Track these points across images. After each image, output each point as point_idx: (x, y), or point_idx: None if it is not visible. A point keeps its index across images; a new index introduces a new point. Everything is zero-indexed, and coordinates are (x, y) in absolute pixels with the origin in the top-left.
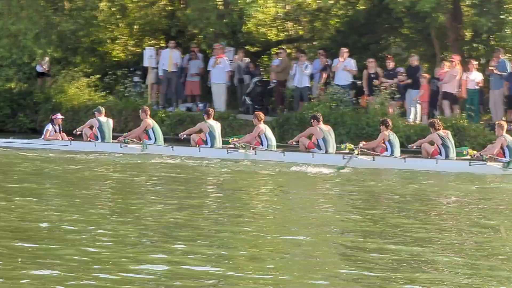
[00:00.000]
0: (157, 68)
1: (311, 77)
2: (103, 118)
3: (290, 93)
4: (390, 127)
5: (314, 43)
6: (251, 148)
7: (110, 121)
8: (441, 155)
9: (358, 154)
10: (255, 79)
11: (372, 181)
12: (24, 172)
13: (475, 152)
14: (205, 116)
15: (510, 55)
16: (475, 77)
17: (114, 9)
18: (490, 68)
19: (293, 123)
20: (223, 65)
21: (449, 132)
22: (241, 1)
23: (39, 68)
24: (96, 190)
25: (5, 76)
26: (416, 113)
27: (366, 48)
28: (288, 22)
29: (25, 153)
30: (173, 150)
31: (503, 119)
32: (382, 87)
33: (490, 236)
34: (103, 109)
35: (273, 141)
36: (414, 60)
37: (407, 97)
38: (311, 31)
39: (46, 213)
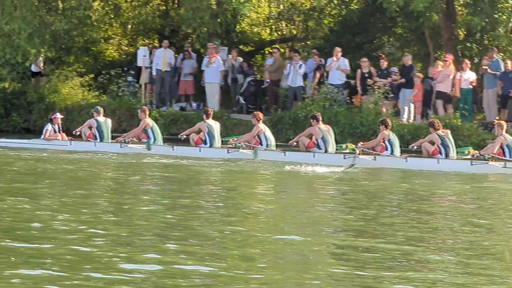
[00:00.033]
0: (150, 67)
1: (305, 76)
2: (101, 118)
3: (284, 93)
4: (389, 127)
5: (307, 42)
6: (251, 148)
7: (109, 120)
8: (441, 155)
9: (359, 153)
10: (249, 79)
11: (371, 181)
12: (18, 172)
13: (476, 152)
14: (204, 116)
15: (503, 54)
16: (469, 76)
17: (108, 8)
18: (483, 67)
19: (287, 123)
20: (216, 64)
21: (448, 132)
22: (234, 0)
23: (34, 68)
24: (91, 190)
25: None
26: (409, 113)
27: (360, 47)
28: (281, 22)
29: (24, 153)
30: (173, 150)
31: (496, 118)
32: (375, 87)
33: (483, 235)
34: (102, 109)
35: (272, 140)
36: (408, 60)
37: (401, 96)
38: (305, 31)
39: (38, 212)
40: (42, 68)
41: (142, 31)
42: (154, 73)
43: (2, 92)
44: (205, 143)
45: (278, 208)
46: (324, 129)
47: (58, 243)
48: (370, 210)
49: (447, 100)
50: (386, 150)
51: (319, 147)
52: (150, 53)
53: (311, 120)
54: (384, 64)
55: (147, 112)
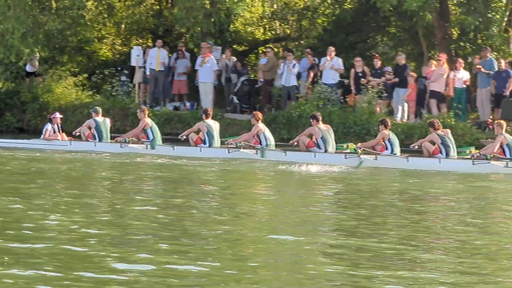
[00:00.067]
0: (144, 67)
1: (299, 76)
2: (100, 118)
3: (278, 92)
4: (389, 127)
5: (301, 42)
6: (252, 148)
7: (107, 120)
8: (441, 154)
9: (361, 153)
10: (242, 78)
11: (371, 180)
12: (11, 172)
13: (476, 152)
14: (203, 116)
15: (497, 54)
16: (462, 75)
17: (101, 8)
18: (477, 66)
19: (281, 122)
20: (210, 64)
21: (448, 131)
22: (228, 0)
23: (29, 68)
24: (89, 190)
25: None
26: (403, 112)
27: (354, 47)
28: (275, 21)
29: (19, 153)
30: (173, 149)
31: (490, 117)
32: (369, 86)
33: (474, 235)
34: (100, 109)
35: (272, 140)
36: (401, 59)
37: (395, 96)
38: (299, 30)
39: (31, 212)
40: (37, 68)
41: (136, 31)
42: (147, 72)
43: None
44: (204, 143)
45: (273, 208)
46: (324, 129)
47: (51, 243)
48: (366, 209)
49: (441, 100)
50: (386, 149)
51: (319, 147)
52: (144, 52)
53: (311, 120)
54: (377, 63)
55: (147, 112)
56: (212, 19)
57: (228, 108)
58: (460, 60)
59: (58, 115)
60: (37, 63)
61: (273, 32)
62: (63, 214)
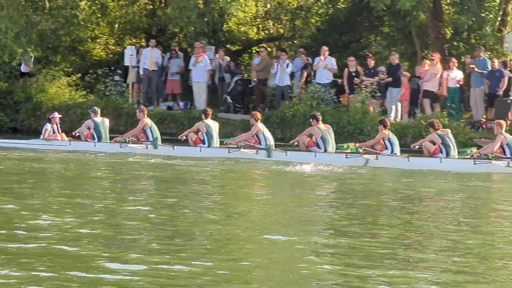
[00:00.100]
0: (138, 67)
1: (292, 75)
2: (98, 119)
3: (271, 92)
4: (388, 127)
5: (295, 41)
6: (252, 148)
7: (106, 120)
8: (442, 154)
9: (363, 153)
10: (236, 78)
11: (366, 180)
12: (7, 172)
13: (476, 151)
14: (203, 116)
15: (490, 53)
16: (456, 75)
17: (95, 8)
18: (471, 66)
19: (274, 122)
20: (204, 63)
21: (448, 131)
22: None
23: (23, 68)
24: (86, 190)
25: None
26: (396, 112)
27: (347, 46)
28: (268, 21)
29: (12, 153)
30: (173, 150)
31: (483, 117)
32: (363, 86)
33: (468, 234)
34: (99, 109)
35: (271, 140)
36: (395, 59)
37: (388, 95)
38: (292, 30)
39: (23, 212)
40: (31, 68)
41: (129, 31)
42: (141, 72)
43: None
44: (203, 143)
45: (267, 208)
46: (324, 129)
47: (43, 243)
48: (361, 209)
49: (434, 99)
50: (387, 149)
51: (318, 147)
52: (137, 52)
53: (311, 120)
54: (371, 63)
55: (146, 112)
56: (206, 19)
57: (222, 107)
58: (454, 59)
59: (57, 115)
60: (32, 64)
61: (266, 32)
62: (56, 214)
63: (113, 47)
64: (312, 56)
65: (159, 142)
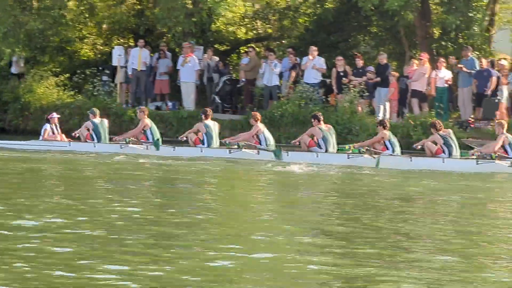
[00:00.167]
0: (126, 67)
1: (280, 75)
2: (97, 120)
3: (259, 92)
4: (388, 127)
5: (283, 41)
6: (253, 148)
7: (105, 121)
8: (444, 154)
9: (366, 153)
10: (224, 78)
11: (370, 181)
12: (5, 173)
13: (476, 150)
14: (203, 117)
15: (478, 53)
16: (444, 75)
17: (83, 8)
18: (459, 66)
19: (263, 122)
20: (192, 64)
21: (450, 131)
22: (210, 0)
23: (14, 70)
24: (83, 190)
25: None
26: (385, 111)
27: (335, 46)
28: (257, 21)
29: (22, 154)
30: (174, 150)
31: (471, 116)
32: (351, 85)
33: (461, 235)
34: (97, 110)
35: (271, 140)
36: (383, 58)
37: (376, 95)
38: (280, 30)
39: (9, 213)
40: (21, 70)
41: (117, 31)
42: (129, 72)
43: None
44: (203, 144)
45: (258, 208)
46: (325, 129)
47: (30, 243)
48: (356, 209)
49: (423, 99)
50: (388, 150)
51: (319, 147)
52: (126, 52)
53: (312, 120)
54: (359, 63)
55: (146, 112)
56: (194, 19)
57: (210, 107)
58: (442, 59)
59: (55, 115)
60: (22, 65)
61: (254, 32)
62: (44, 215)
63: (101, 47)
64: (301, 56)
65: (160, 142)
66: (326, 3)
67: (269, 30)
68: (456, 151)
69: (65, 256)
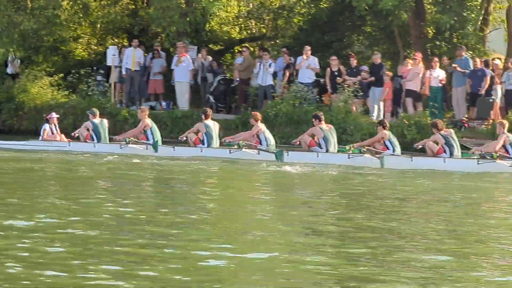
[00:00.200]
0: (120, 67)
1: (275, 75)
2: (97, 120)
3: (254, 91)
4: (387, 127)
5: (277, 41)
6: (253, 147)
7: (105, 121)
8: (445, 154)
9: (366, 153)
10: (218, 78)
11: (370, 181)
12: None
13: (476, 148)
14: (203, 117)
15: (472, 53)
16: (438, 74)
17: (77, 8)
18: (453, 65)
19: None
20: (186, 63)
21: (452, 131)
22: None
23: (9, 70)
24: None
25: None
26: (379, 111)
27: (329, 46)
28: (251, 21)
29: (22, 155)
30: (174, 150)
31: (465, 116)
32: (345, 85)
33: (454, 234)
34: (97, 111)
35: (271, 140)
36: (377, 58)
37: (371, 95)
38: (274, 29)
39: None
40: (17, 70)
41: (111, 30)
42: (123, 72)
43: None
44: (203, 144)
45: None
46: (326, 129)
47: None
48: (352, 210)
49: (417, 98)
50: (388, 150)
51: (320, 147)
52: (120, 52)
53: (313, 120)
54: (353, 62)
55: (147, 112)
56: (188, 19)
57: (204, 107)
58: (436, 59)
59: (54, 115)
60: (18, 65)
61: (249, 32)
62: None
63: (95, 47)
64: (295, 56)
65: (160, 143)
66: (320, 3)
67: (263, 30)
68: (457, 151)
69: (57, 256)
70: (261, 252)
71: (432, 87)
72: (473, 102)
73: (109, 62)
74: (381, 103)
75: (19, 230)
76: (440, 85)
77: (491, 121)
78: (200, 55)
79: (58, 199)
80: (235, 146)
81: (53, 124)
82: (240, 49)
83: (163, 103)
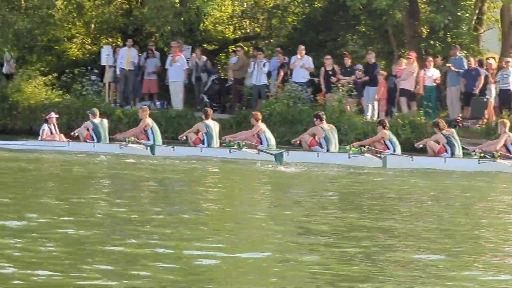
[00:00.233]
0: (114, 66)
1: (269, 74)
2: (97, 120)
3: (248, 91)
4: (387, 127)
5: (271, 40)
6: (254, 147)
7: (105, 121)
8: (447, 153)
9: (367, 152)
10: (213, 77)
11: (370, 181)
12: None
13: (476, 147)
14: (203, 117)
15: (466, 52)
16: (432, 73)
17: (71, 7)
18: (447, 65)
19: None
20: (180, 63)
21: (453, 131)
22: None
23: (5, 70)
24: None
25: None
26: (373, 110)
27: (323, 45)
28: (245, 20)
29: (22, 155)
30: (174, 150)
31: (459, 116)
32: (339, 84)
33: (447, 233)
34: (97, 111)
35: (272, 140)
36: (371, 58)
37: (365, 94)
38: (269, 29)
39: None
40: (13, 70)
41: (106, 30)
42: (118, 72)
43: None
44: (203, 143)
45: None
46: (327, 129)
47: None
48: (348, 209)
49: (411, 98)
50: (388, 149)
51: (321, 146)
52: (114, 52)
53: (314, 119)
54: (348, 62)
55: (148, 112)
56: (182, 18)
57: (199, 107)
58: (430, 58)
59: (53, 115)
60: (14, 65)
61: (243, 31)
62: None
63: (90, 47)
64: (289, 55)
65: (160, 143)
66: (315, 3)
67: (258, 29)
68: (458, 150)
69: (50, 256)
70: (255, 251)
71: (426, 87)
72: (467, 102)
73: (103, 61)
74: (376, 103)
75: (12, 229)
76: (434, 84)
77: (485, 120)
78: (194, 54)
79: (52, 199)
80: (235, 146)
81: (52, 124)
82: (234, 49)
83: (157, 103)
